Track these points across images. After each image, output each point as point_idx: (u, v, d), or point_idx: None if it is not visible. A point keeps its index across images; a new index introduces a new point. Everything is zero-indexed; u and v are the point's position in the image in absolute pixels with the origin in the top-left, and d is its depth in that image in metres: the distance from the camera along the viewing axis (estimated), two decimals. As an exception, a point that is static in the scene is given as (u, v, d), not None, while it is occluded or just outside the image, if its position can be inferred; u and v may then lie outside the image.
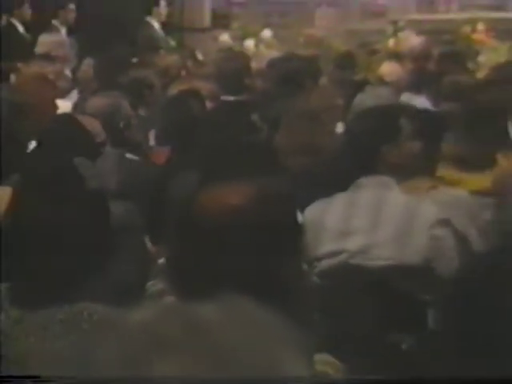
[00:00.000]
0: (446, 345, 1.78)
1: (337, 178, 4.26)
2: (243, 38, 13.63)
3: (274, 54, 11.37)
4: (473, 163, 4.88)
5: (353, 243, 4.02)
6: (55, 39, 12.78)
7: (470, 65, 8.85)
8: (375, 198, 4.08)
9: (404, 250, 3.96)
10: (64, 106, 7.74)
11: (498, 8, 13.07)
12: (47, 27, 13.05)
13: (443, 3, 13.11)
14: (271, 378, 1.54)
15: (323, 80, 8.30)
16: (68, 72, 10.01)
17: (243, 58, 9.75)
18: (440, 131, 4.83)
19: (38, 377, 1.12)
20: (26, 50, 11.63)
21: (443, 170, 4.74)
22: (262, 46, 13.13)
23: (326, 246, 4.01)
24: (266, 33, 13.75)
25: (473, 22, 12.24)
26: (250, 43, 13.22)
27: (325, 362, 2.69)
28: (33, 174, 3.46)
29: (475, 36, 11.76)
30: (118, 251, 2.76)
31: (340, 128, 5.85)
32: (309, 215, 3.73)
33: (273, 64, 8.99)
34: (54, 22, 13.29)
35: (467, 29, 12.06)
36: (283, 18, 14.31)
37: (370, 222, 4.04)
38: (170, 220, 2.98)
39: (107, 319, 0.93)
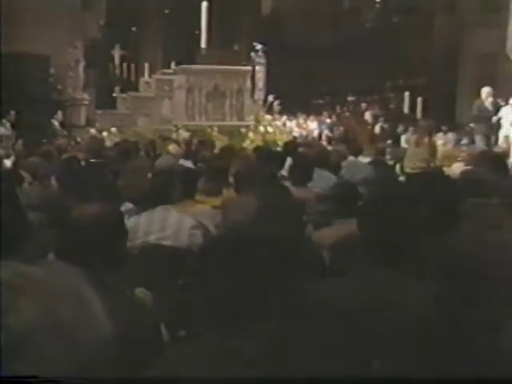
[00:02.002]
0: (206, 283, 1.72)
1: (147, 202, 4.21)
2: (101, 131, 13.31)
3: (117, 139, 11.24)
4: (212, 192, 4.92)
5: (151, 237, 3.96)
6: (3, 130, 12.34)
7: (211, 147, 8.89)
8: (162, 215, 4.03)
9: (178, 241, 3.93)
10: (7, 163, 7.53)
11: (222, 119, 13.27)
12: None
13: (198, 116, 13.15)
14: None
15: (141, 153, 8.24)
16: (10, 146, 9.76)
17: (101, 141, 9.79)
18: (196, 178, 4.84)
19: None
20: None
21: (198, 196, 4.74)
22: (111, 135, 12.89)
23: (139, 239, 3.93)
24: (113, 129, 13.46)
25: (212, 126, 12.38)
26: (105, 134, 12.94)
27: (141, 292, 2.62)
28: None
29: (213, 133, 11.92)
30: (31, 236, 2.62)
31: (150, 175, 5.80)
32: (129, 223, 3.65)
33: (117, 144, 8.90)
34: (3, 120, 12.70)
35: (209, 129, 12.17)
36: (122, 121, 14.06)
37: (160, 228, 3.99)
38: (61, 220, 2.85)
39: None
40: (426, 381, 1.47)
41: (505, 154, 9.18)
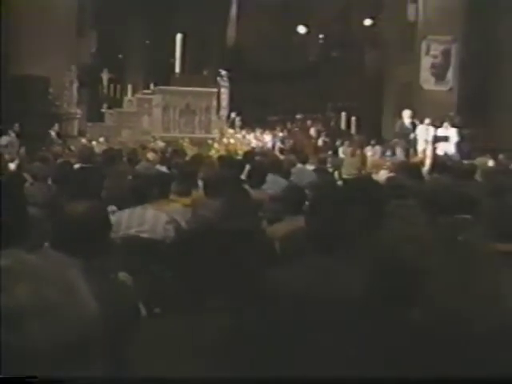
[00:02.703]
0: (177, 269, 1.68)
1: (128, 201, 4.11)
2: (91, 140, 13.07)
3: (104, 147, 10.94)
4: (183, 193, 4.80)
5: (132, 230, 3.88)
6: (9, 139, 12.05)
7: (182, 155, 8.67)
8: (141, 212, 3.94)
9: (154, 234, 3.86)
10: (12, 166, 7.29)
11: (192, 132, 13.08)
12: (5, 133, 12.22)
13: (172, 129, 12.98)
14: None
15: (124, 159, 8.01)
16: (15, 152, 9.48)
17: (90, 148, 9.45)
18: (170, 181, 4.74)
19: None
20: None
21: (172, 196, 4.64)
22: (99, 144, 12.62)
23: (121, 232, 3.84)
24: (101, 139, 13.23)
25: (183, 138, 12.22)
26: (94, 142, 12.69)
27: (123, 276, 2.56)
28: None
29: (185, 144, 11.69)
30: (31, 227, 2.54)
31: (130, 177, 5.66)
32: (113, 218, 3.55)
33: (105, 151, 8.50)
34: (10, 131, 12.40)
35: (182, 140, 11.99)
36: (108, 132, 13.83)
37: (138, 222, 3.91)
38: (56, 215, 2.76)
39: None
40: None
41: (420, 164, 9.31)
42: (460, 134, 13.81)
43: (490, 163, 9.32)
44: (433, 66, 15.86)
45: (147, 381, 0.87)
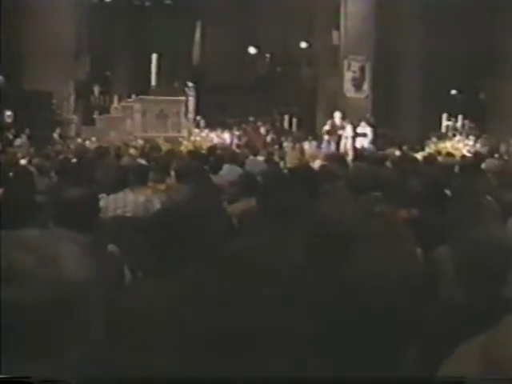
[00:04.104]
0: (155, 240, 1.61)
1: (115, 187, 3.96)
2: (85, 140, 12.61)
3: (95, 145, 10.40)
4: (159, 181, 4.52)
5: (118, 211, 3.76)
6: (22, 140, 11.72)
7: (158, 150, 8.31)
8: (124, 196, 3.82)
9: (136, 212, 3.74)
10: (23, 162, 6.98)
11: (166, 132, 12.72)
12: (18, 135, 11.81)
13: (150, 130, 12.57)
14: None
15: (111, 155, 7.56)
16: (25, 151, 9.10)
17: (85, 146, 9.14)
18: (148, 171, 4.49)
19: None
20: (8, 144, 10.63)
21: (150, 183, 4.39)
22: (92, 143, 12.03)
23: (110, 213, 3.71)
24: (93, 138, 12.70)
25: (159, 136, 11.88)
26: (87, 142, 12.18)
27: (112, 247, 2.47)
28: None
29: (160, 141, 11.33)
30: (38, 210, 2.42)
31: (117, 170, 5.35)
32: (102, 202, 3.41)
33: (96, 148, 7.98)
34: (22, 134, 11.97)
35: (157, 139, 11.64)
36: (99, 134, 13.35)
37: (123, 204, 3.78)
38: (57, 200, 2.62)
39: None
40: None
41: (345, 154, 9.45)
42: (374, 131, 14.17)
43: (397, 153, 9.55)
44: (353, 79, 16.40)
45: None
